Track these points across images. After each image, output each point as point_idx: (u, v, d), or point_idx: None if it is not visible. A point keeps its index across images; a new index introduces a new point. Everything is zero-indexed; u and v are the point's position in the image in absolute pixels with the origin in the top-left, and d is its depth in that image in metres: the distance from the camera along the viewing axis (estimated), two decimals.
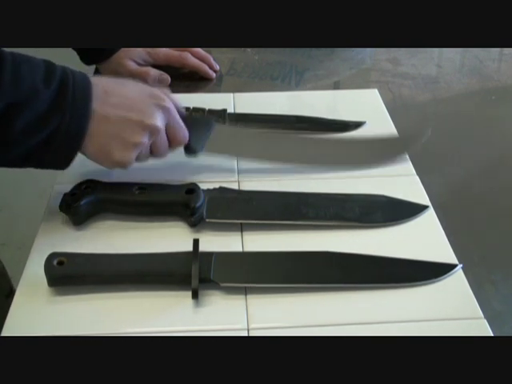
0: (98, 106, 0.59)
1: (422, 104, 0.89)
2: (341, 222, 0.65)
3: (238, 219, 0.65)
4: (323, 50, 1.00)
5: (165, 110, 0.63)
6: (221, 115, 0.78)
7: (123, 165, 0.62)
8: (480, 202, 0.71)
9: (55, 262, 0.56)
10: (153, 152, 0.65)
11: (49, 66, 0.58)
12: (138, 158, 0.63)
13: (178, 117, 0.65)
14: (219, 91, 0.90)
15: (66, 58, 0.93)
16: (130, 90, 0.63)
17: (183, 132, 0.66)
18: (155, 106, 0.62)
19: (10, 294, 0.81)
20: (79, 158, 0.61)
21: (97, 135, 0.59)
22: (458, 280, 0.59)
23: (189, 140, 0.67)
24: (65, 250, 0.58)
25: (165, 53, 0.90)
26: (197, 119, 0.73)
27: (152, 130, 0.62)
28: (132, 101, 0.61)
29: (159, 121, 0.62)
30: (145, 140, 0.62)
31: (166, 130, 0.64)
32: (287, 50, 1.00)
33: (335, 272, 0.60)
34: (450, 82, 0.94)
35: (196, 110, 0.78)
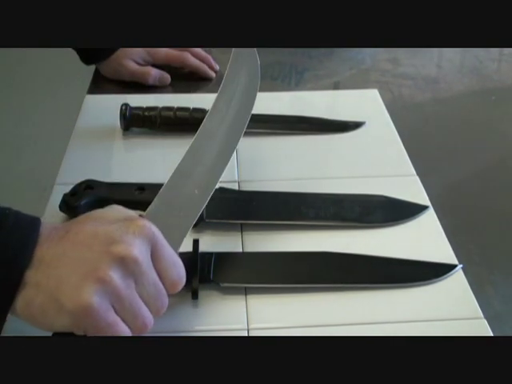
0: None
1: (422, 104, 0.89)
2: (340, 222, 0.65)
3: (237, 219, 0.65)
4: (323, 50, 1.00)
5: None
6: None
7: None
8: (480, 201, 0.71)
9: None
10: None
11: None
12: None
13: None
14: None
15: (65, 58, 0.94)
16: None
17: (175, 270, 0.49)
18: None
19: None
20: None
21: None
22: (457, 280, 0.59)
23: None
24: None
25: (165, 53, 0.91)
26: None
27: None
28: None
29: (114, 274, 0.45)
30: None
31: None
32: (287, 50, 1.00)
33: (335, 272, 0.60)
34: (450, 82, 0.94)
35: (196, 110, 0.78)
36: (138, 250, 0.45)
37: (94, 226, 0.47)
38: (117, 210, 0.50)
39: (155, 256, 0.47)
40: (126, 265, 0.45)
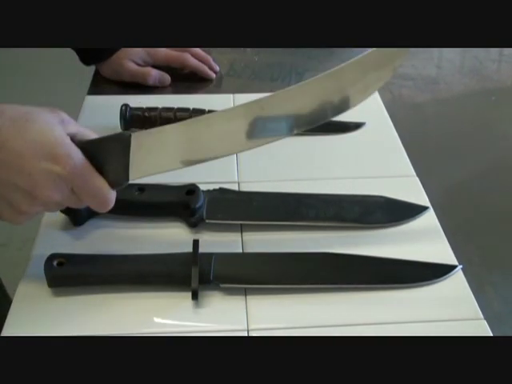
0: None
1: (422, 104, 0.89)
2: (340, 222, 0.65)
3: (237, 220, 0.65)
4: (323, 50, 1.00)
5: (62, 179, 0.51)
6: None
7: (16, 224, 0.54)
8: (480, 202, 0.71)
9: (55, 263, 0.56)
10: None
11: None
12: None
13: (86, 180, 0.52)
14: (219, 92, 0.90)
15: (65, 58, 0.94)
16: (26, 142, 0.50)
17: (98, 197, 0.53)
18: (48, 174, 0.50)
19: None
20: None
21: None
22: (457, 281, 0.59)
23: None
24: (65, 250, 0.58)
25: (165, 53, 0.90)
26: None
27: (45, 203, 0.52)
28: (22, 160, 0.49)
29: (54, 193, 0.51)
30: (37, 209, 0.53)
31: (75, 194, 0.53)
32: (287, 50, 1.00)
33: (335, 272, 0.60)
34: (450, 83, 0.94)
35: (196, 110, 0.78)
36: (57, 195, 0.51)
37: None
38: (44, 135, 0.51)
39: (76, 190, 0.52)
40: (46, 205, 0.53)
